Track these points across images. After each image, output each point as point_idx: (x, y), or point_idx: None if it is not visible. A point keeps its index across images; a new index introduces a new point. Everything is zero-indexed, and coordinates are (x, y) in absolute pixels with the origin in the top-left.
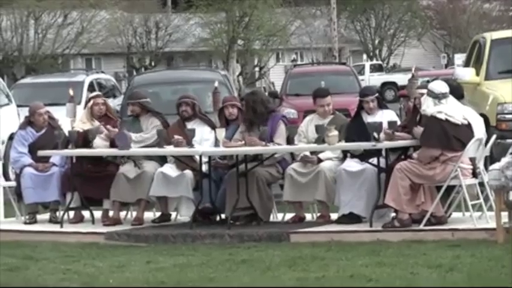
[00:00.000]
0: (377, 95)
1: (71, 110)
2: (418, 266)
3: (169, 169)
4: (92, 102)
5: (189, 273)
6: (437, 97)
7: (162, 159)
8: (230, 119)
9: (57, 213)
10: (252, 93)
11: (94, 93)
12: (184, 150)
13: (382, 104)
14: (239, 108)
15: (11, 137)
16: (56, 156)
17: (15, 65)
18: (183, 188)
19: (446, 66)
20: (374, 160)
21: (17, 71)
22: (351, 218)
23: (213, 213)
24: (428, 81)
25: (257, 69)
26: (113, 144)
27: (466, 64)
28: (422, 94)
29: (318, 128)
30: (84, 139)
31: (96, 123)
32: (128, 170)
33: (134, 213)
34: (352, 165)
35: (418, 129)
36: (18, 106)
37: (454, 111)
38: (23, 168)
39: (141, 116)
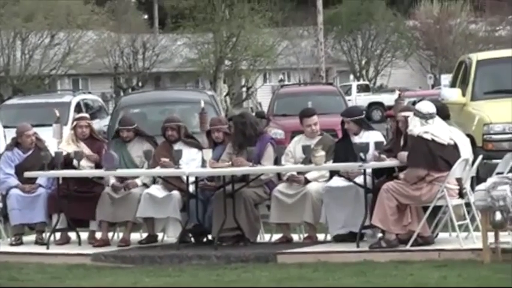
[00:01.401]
0: (363, 116)
1: (57, 131)
2: (405, 287)
3: (157, 190)
4: (75, 123)
5: None
6: (424, 117)
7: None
8: (216, 141)
9: (44, 235)
10: (240, 115)
11: (79, 115)
12: (170, 171)
13: (367, 125)
14: (225, 132)
15: None
16: (43, 177)
17: (1, 86)
18: (171, 209)
19: (432, 86)
20: (360, 180)
21: (4, 91)
22: (342, 236)
23: (201, 233)
24: (414, 102)
25: (244, 89)
26: (98, 165)
27: (452, 85)
28: (405, 117)
29: (305, 149)
30: (68, 161)
31: (82, 144)
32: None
33: (121, 234)
34: (339, 182)
35: (404, 154)
36: (4, 127)
37: (440, 131)
38: (9, 189)
39: (129, 141)
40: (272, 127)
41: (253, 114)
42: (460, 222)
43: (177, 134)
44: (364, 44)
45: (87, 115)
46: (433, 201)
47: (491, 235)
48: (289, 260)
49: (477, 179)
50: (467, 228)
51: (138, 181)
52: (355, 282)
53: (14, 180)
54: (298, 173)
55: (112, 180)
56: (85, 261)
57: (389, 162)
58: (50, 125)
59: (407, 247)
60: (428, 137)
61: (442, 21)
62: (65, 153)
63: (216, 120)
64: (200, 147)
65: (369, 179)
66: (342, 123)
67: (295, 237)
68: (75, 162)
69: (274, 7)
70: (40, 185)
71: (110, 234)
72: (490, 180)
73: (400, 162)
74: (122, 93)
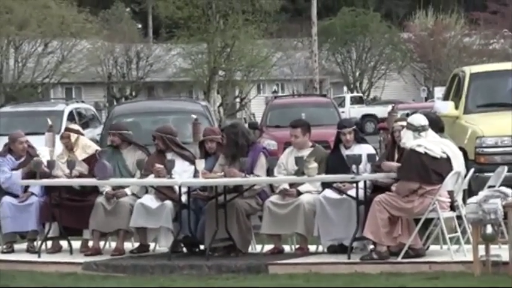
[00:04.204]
0: (354, 127)
1: (49, 140)
2: None
3: (150, 200)
4: (61, 134)
5: None
6: (417, 130)
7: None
8: (209, 152)
9: (35, 243)
10: (232, 126)
11: (65, 126)
12: (163, 181)
13: (359, 138)
14: (218, 142)
15: None
16: (35, 185)
17: None
18: (163, 219)
19: (426, 99)
20: (352, 192)
21: None
22: (334, 247)
23: (193, 243)
24: (408, 114)
25: (238, 100)
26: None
27: (445, 97)
28: (402, 126)
29: (298, 160)
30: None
31: (75, 155)
32: (106, 200)
33: (113, 243)
34: (332, 194)
35: (388, 164)
36: None
37: (433, 144)
38: (1, 197)
39: (123, 149)
40: (265, 138)
41: (247, 125)
42: (451, 235)
43: (163, 144)
44: (358, 55)
45: (73, 126)
46: (425, 213)
47: (482, 248)
48: (281, 271)
49: (469, 192)
50: (459, 241)
51: (128, 190)
52: None
53: (18, 175)
54: (291, 185)
55: (107, 189)
56: (76, 270)
57: (381, 175)
58: (43, 134)
59: (399, 259)
60: (421, 150)
61: (437, 34)
62: (60, 173)
63: (210, 131)
64: (192, 161)
65: (361, 191)
66: (338, 134)
67: (286, 248)
68: (67, 171)
69: (268, 18)
70: (33, 193)
71: (102, 243)
72: (482, 194)
73: (386, 173)
74: (115, 103)
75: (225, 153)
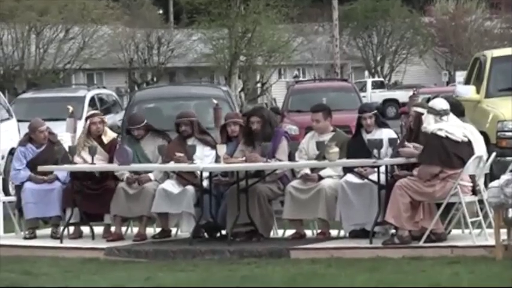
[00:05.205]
0: (375, 112)
1: (70, 125)
2: (418, 283)
3: (171, 185)
4: (88, 122)
5: None
6: (439, 114)
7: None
8: (232, 136)
9: (58, 229)
10: (261, 108)
11: (90, 112)
12: (185, 166)
13: (380, 122)
14: (241, 125)
15: (11, 152)
16: (59, 171)
17: (16, 80)
18: (185, 204)
19: (447, 83)
20: (374, 177)
21: (18, 85)
22: (356, 232)
23: (215, 229)
24: (429, 99)
25: (259, 85)
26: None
27: (467, 81)
28: (416, 112)
29: (319, 145)
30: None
31: (94, 143)
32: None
33: (135, 229)
34: (353, 179)
35: (405, 150)
36: (18, 121)
37: (454, 128)
38: (24, 183)
39: (143, 137)
40: (286, 123)
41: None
42: (473, 219)
43: (190, 129)
44: (379, 40)
45: (97, 112)
46: (447, 198)
47: (503, 232)
48: (302, 256)
49: (491, 176)
50: (480, 225)
51: (151, 175)
52: (368, 278)
53: (26, 171)
54: (312, 169)
55: (126, 174)
56: (98, 255)
57: (403, 159)
58: (64, 119)
59: (420, 243)
60: (442, 134)
61: (458, 18)
62: (80, 160)
63: (233, 114)
64: (213, 145)
65: (382, 175)
66: (359, 119)
67: (308, 233)
68: (88, 158)
69: (289, 3)
70: (57, 178)
71: (124, 229)
72: (504, 178)
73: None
74: (136, 88)
75: (260, 135)
